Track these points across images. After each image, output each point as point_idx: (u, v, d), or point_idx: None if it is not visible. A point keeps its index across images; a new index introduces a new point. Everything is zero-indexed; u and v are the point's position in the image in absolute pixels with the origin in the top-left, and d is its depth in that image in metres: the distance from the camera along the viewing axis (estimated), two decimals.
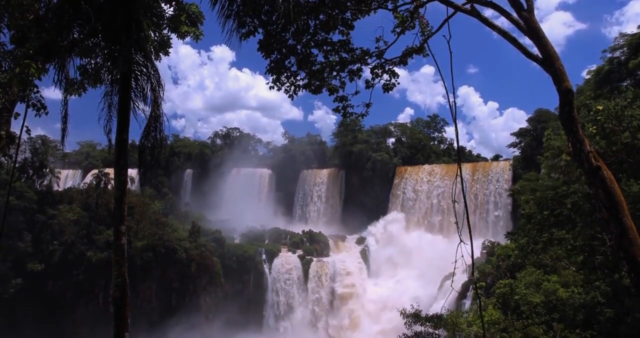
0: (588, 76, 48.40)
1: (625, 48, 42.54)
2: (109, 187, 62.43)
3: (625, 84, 40.63)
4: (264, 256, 63.81)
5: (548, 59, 7.13)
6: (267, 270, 62.89)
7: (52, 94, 10.13)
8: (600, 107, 17.44)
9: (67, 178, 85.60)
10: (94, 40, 10.39)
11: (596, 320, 20.76)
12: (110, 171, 53.19)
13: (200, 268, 59.90)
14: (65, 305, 57.98)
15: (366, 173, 79.11)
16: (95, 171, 70.24)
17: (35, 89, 8.98)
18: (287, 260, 63.40)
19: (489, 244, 48.32)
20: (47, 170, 69.42)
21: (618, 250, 6.56)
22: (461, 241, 6.53)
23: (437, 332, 18.65)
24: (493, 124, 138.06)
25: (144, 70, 10.53)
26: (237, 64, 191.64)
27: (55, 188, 70.10)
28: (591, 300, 21.47)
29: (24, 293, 56.88)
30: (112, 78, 10.66)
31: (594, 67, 46.67)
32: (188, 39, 10.66)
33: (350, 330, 58.63)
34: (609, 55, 44.27)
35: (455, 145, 79.44)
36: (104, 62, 10.80)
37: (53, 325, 55.96)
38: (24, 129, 8.75)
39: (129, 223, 52.08)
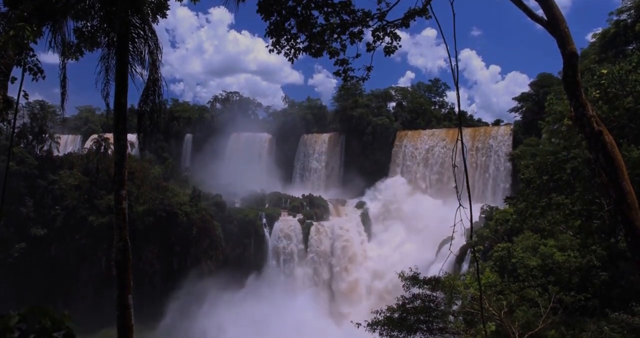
0: (593, 39, 47.64)
1: (633, 10, 41.53)
2: (109, 152, 62.39)
3: (631, 47, 39.99)
4: (264, 220, 64.51)
5: (553, 21, 6.96)
6: (267, 234, 63.68)
7: (48, 58, 9.97)
8: (605, 71, 17.23)
9: (67, 144, 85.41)
10: (89, 2, 10.15)
11: (591, 283, 21.08)
12: (110, 136, 52.82)
13: (201, 232, 60.62)
14: (69, 269, 58.95)
15: (366, 137, 78.89)
16: (95, 136, 69.99)
17: (31, 53, 8.81)
18: (287, 224, 64.10)
19: (487, 209, 48.65)
20: (47, 135, 69.07)
21: (616, 214, 6.59)
22: (460, 205, 6.55)
23: (434, 294, 18.94)
24: (494, 88, 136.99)
25: (141, 32, 10.34)
26: (236, 26, 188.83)
27: (55, 153, 69.99)
28: (587, 263, 21.74)
29: (28, 258, 57.73)
30: (109, 41, 10.48)
31: (599, 30, 45.91)
32: (186, 0, 10.41)
33: (349, 292, 59.84)
34: (615, 17, 43.35)
35: (456, 109, 78.94)
36: (100, 25, 10.59)
37: (57, 289, 57.08)
38: (22, 93, 8.62)
39: (130, 188, 52.37)
